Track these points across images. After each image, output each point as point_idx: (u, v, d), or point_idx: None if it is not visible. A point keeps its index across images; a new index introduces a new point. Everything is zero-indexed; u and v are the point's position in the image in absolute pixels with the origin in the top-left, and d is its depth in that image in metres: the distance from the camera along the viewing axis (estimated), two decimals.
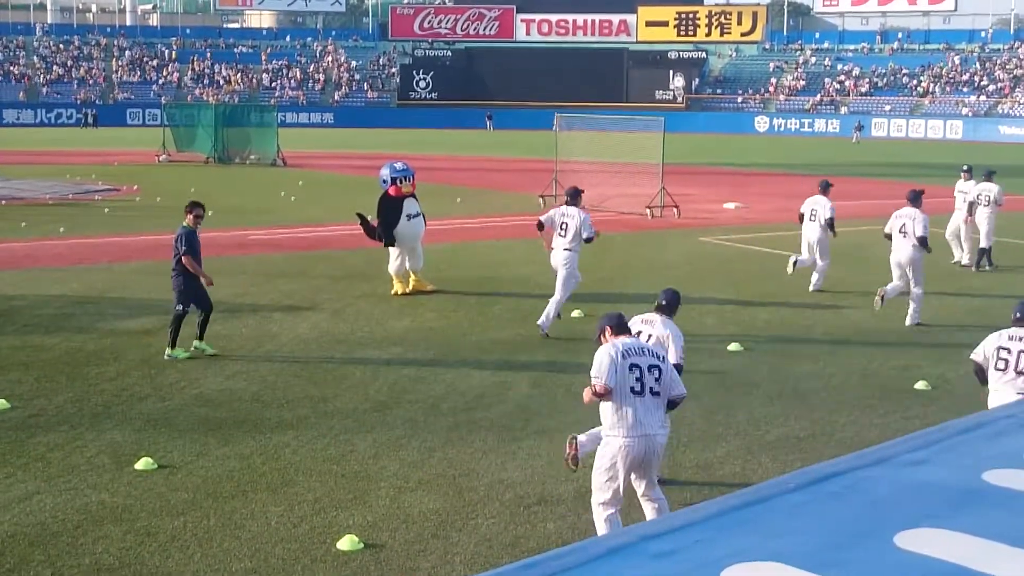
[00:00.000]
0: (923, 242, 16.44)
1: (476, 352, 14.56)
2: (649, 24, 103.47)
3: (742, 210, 32.83)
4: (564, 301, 16.13)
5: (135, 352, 14.40)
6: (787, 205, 34.73)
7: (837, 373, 13.63)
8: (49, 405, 12.02)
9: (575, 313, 16.89)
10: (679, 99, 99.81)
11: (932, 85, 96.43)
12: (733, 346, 14.89)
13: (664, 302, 10.27)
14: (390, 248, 18.78)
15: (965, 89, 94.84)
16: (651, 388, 8.18)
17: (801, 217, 19.59)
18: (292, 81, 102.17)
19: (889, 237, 16.98)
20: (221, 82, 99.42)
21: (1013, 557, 2.75)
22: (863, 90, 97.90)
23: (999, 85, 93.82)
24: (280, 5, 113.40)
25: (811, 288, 19.36)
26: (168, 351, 14.13)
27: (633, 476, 8.28)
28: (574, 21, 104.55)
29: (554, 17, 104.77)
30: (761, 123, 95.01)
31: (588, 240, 16.15)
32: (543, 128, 75.13)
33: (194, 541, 8.49)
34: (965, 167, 23.33)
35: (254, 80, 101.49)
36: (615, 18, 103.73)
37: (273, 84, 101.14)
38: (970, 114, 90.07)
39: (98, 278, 20.05)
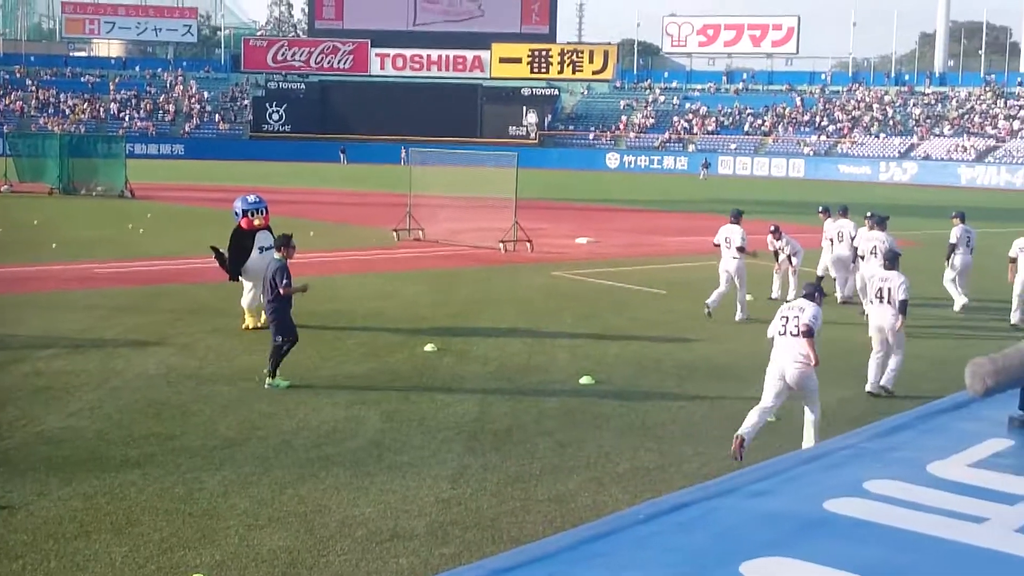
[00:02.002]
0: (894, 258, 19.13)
1: (328, 386, 14.41)
2: (503, 61, 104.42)
3: (593, 245, 33.26)
4: (745, 295, 20.53)
5: None
6: (637, 240, 35.37)
7: (686, 405, 13.87)
8: None
9: (428, 347, 16.88)
10: (532, 135, 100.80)
11: (775, 125, 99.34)
12: (585, 379, 15.03)
13: (890, 260, 15.36)
14: (244, 281, 18.51)
15: (806, 129, 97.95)
16: (791, 332, 11.86)
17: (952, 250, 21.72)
18: (142, 112, 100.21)
19: (863, 257, 20.31)
20: (67, 111, 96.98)
21: None
22: (710, 128, 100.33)
23: (838, 125, 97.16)
24: (129, 35, 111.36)
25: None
26: (268, 381, 14.16)
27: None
28: (428, 56, 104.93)
29: (409, 52, 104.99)
30: (612, 160, 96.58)
31: (740, 249, 20.10)
32: (397, 162, 75.20)
33: None
34: (870, 212, 23.40)
35: (101, 110, 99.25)
36: (469, 54, 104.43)
37: (121, 114, 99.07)
38: (811, 153, 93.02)
39: None
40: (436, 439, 12.10)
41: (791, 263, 22.21)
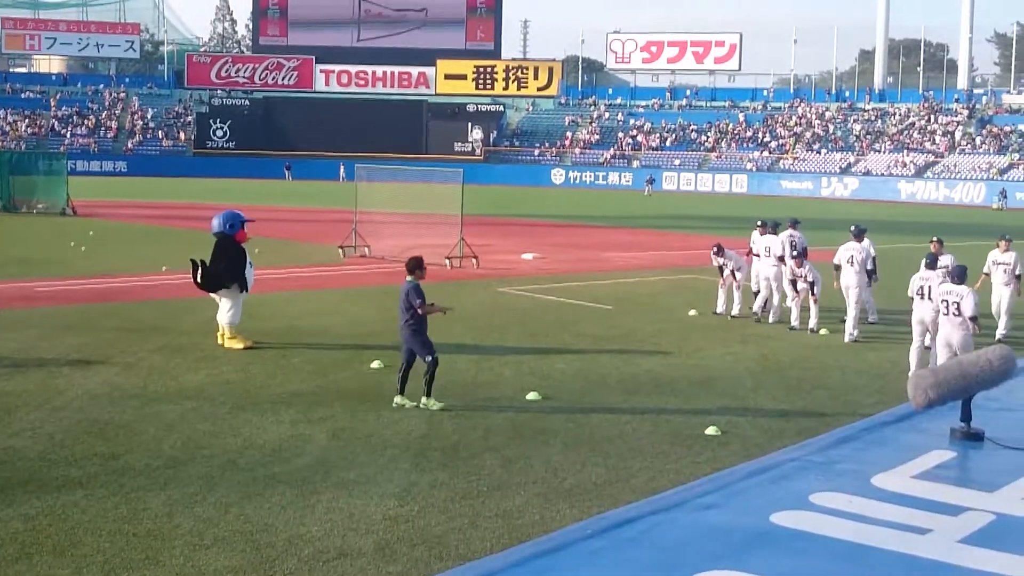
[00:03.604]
0: (871, 275, 21.00)
1: (274, 405, 14.31)
2: (448, 77, 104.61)
3: (539, 260, 33.32)
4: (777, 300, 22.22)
5: None
6: (583, 255, 35.47)
7: (631, 420, 13.91)
8: None
9: (375, 364, 16.82)
10: (478, 151, 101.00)
11: (719, 141, 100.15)
12: (531, 395, 15.03)
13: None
14: (221, 299, 18.33)
15: (749, 145, 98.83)
16: (953, 313, 15.44)
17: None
18: (83, 128, 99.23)
19: (839, 268, 20.87)
20: (7, 128, 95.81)
21: None
22: (654, 144, 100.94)
23: (780, 141, 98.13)
24: (71, 51, 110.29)
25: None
26: (424, 401, 14.20)
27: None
28: (373, 73, 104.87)
29: (354, 68, 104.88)
30: (557, 176, 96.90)
31: (780, 259, 21.75)
32: (345, 179, 74.90)
33: None
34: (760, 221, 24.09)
35: (42, 127, 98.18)
36: (414, 71, 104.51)
37: (63, 131, 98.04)
38: (754, 169, 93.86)
39: None
40: (383, 456, 12.05)
41: (735, 278, 22.45)
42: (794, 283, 21.31)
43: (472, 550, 9.18)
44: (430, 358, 14.29)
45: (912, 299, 17.49)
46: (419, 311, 14.38)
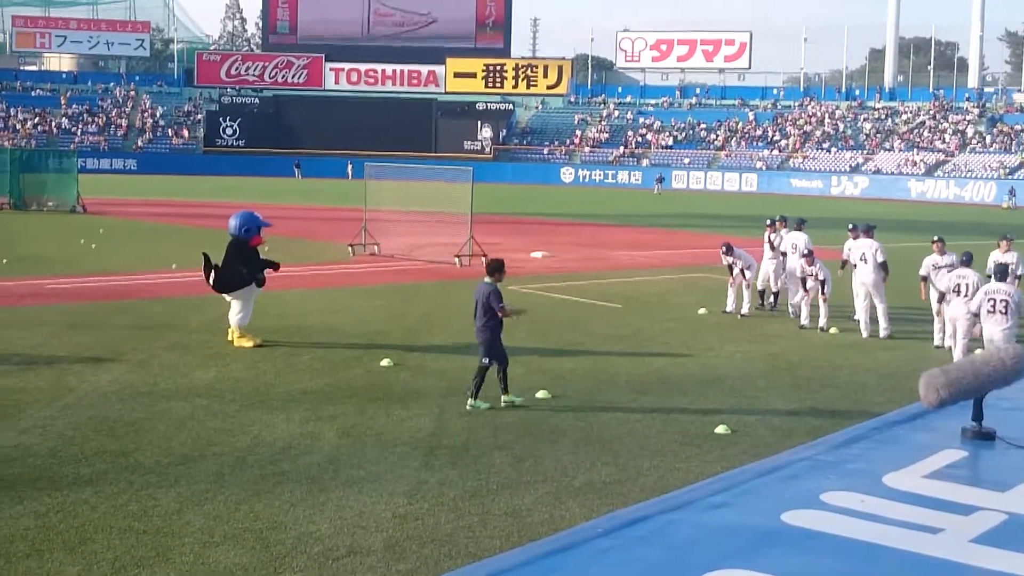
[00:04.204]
0: (883, 266, 20.47)
1: (283, 403, 14.32)
2: (457, 75, 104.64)
3: (548, 259, 33.30)
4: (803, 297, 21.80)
5: None
6: (592, 254, 35.45)
7: (641, 419, 13.89)
8: None
9: (384, 362, 16.82)
10: (487, 150, 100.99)
11: (728, 139, 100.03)
12: (540, 393, 15.02)
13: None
14: (234, 301, 18.35)
15: (759, 143, 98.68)
16: (1000, 311, 15.61)
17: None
18: (94, 126, 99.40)
19: (850, 264, 21.18)
20: (17, 126, 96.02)
21: None
22: (664, 143, 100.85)
23: (790, 140, 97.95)
24: (81, 48, 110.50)
25: None
26: (471, 402, 14.20)
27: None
28: (383, 71, 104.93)
29: (363, 67, 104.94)
30: (567, 174, 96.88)
31: (806, 255, 21.29)
32: (353, 177, 75.00)
33: None
34: (779, 217, 24.25)
35: (53, 125, 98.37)
36: (424, 69, 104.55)
37: (73, 129, 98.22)
38: (764, 167, 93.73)
39: None
40: (393, 454, 12.05)
41: (744, 277, 22.41)
42: (804, 281, 21.30)
43: (481, 548, 9.18)
44: (487, 360, 14.34)
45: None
46: (500, 314, 14.40)
